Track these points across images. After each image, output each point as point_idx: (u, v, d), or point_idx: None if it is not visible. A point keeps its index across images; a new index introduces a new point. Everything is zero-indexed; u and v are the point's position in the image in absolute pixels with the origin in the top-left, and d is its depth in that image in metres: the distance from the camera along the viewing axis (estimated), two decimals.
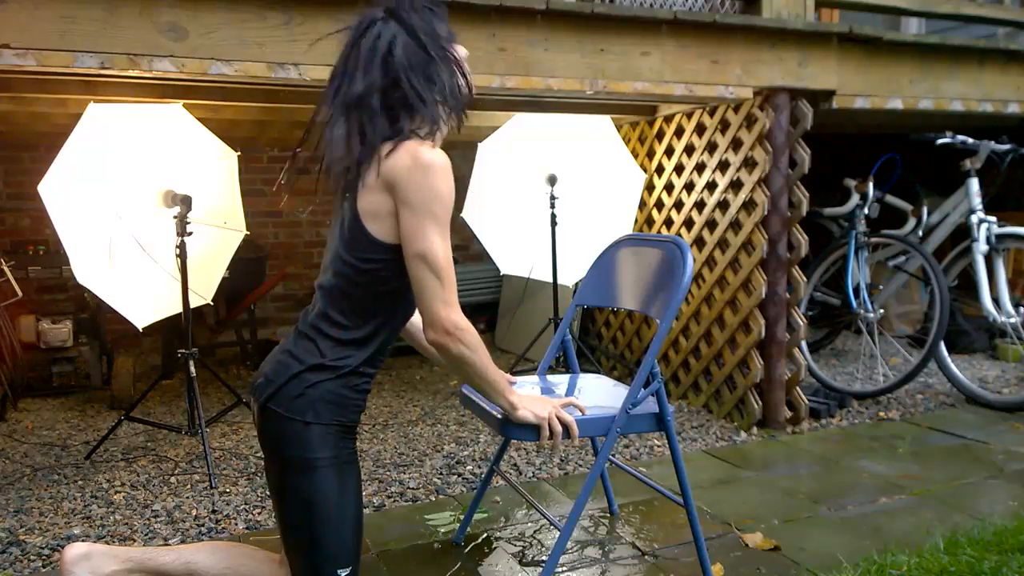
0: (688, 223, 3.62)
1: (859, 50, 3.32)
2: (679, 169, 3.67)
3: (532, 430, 1.63)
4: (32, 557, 2.19)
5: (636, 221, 3.90)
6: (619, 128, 4.08)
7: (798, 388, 3.26)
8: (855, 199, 3.95)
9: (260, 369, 1.57)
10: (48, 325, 3.86)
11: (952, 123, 4.07)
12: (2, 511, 2.50)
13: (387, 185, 1.45)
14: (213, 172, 3.13)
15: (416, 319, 1.75)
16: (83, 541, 1.62)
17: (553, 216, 3.64)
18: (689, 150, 3.61)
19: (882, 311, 3.91)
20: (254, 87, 2.84)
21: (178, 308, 2.98)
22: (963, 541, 2.08)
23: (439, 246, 1.43)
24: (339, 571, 1.49)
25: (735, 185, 3.30)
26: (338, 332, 1.51)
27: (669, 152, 3.75)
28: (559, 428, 1.62)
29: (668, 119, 3.75)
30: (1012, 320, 3.51)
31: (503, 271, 3.86)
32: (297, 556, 1.52)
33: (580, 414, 1.71)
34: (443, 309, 1.45)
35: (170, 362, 4.16)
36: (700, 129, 3.53)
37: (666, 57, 2.96)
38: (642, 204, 3.88)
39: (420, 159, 1.43)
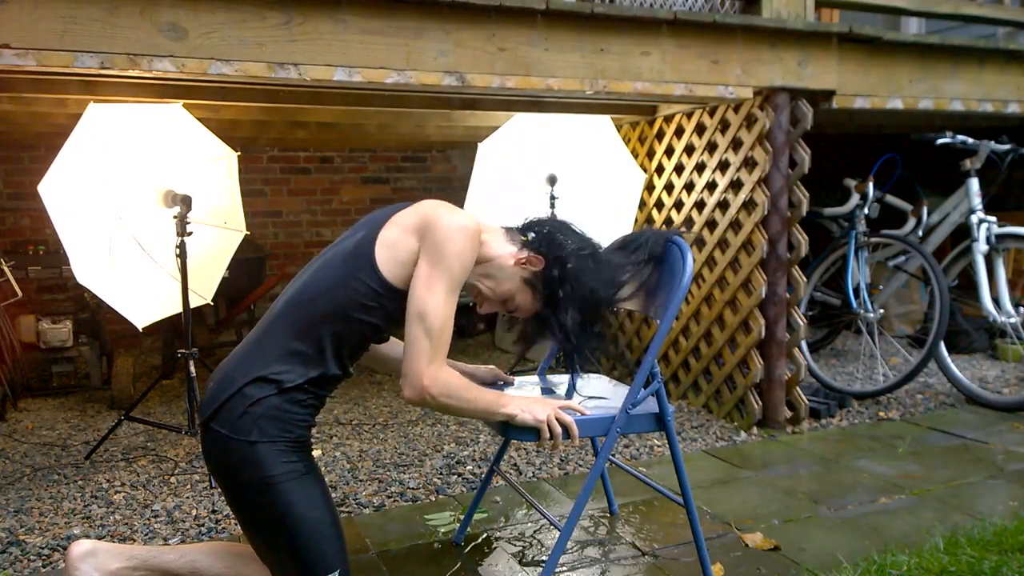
0: (688, 223, 3.61)
1: (859, 50, 3.32)
2: (679, 169, 3.67)
3: (532, 431, 1.63)
4: (32, 557, 2.19)
5: (636, 221, 3.90)
6: (619, 128, 4.07)
7: (798, 388, 3.26)
8: (855, 199, 3.95)
9: (210, 379, 1.53)
10: (48, 325, 3.86)
11: (952, 123, 4.07)
12: (2, 511, 2.50)
13: (419, 229, 1.48)
14: (213, 172, 3.13)
15: (389, 348, 1.79)
16: (87, 539, 1.62)
17: (553, 216, 3.64)
18: (689, 150, 3.61)
19: (882, 311, 3.91)
20: (254, 87, 2.84)
21: (178, 308, 2.98)
22: (963, 541, 2.08)
23: (443, 305, 1.46)
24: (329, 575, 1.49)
25: (735, 185, 3.30)
26: (288, 344, 1.48)
27: (669, 152, 3.75)
28: (559, 429, 1.62)
29: (668, 119, 3.75)
30: (1012, 320, 3.51)
31: None
32: (279, 572, 1.51)
33: (579, 415, 1.71)
34: (426, 367, 1.46)
35: (170, 362, 4.16)
36: (700, 129, 3.53)
37: (666, 57, 2.96)
38: (642, 204, 3.88)
39: (458, 219, 1.49)
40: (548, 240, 1.64)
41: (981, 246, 3.55)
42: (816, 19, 3.31)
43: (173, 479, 2.76)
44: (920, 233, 4.05)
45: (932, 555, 2.01)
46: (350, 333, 1.52)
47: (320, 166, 5.33)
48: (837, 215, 4.09)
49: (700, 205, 3.53)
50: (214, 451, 1.48)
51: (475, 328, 5.24)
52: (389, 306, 1.52)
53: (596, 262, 1.64)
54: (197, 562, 1.59)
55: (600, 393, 2.01)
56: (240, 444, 1.44)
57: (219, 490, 2.64)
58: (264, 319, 1.57)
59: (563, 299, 1.60)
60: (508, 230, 1.69)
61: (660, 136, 3.83)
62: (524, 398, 1.65)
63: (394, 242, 1.50)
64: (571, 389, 2.06)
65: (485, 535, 2.28)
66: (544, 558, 2.12)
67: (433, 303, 1.46)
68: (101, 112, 2.74)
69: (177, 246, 2.86)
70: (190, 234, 2.87)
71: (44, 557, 2.19)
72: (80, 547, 1.56)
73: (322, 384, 1.53)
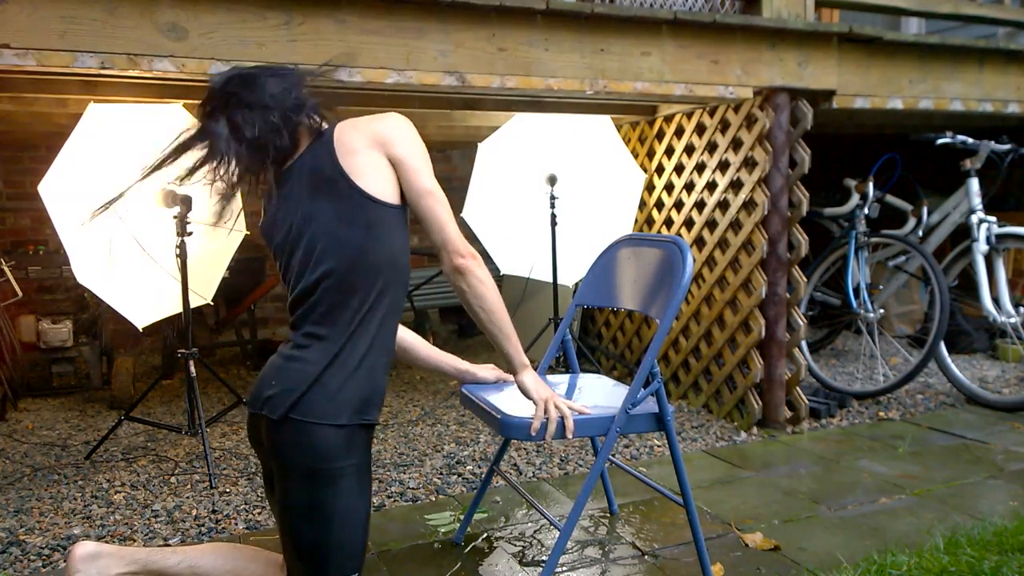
0: (688, 223, 3.62)
1: (859, 50, 3.32)
2: (679, 169, 3.67)
3: (527, 430, 1.65)
4: (32, 557, 2.19)
5: (636, 221, 3.90)
6: (619, 128, 4.08)
7: (798, 388, 3.26)
8: (855, 199, 3.95)
9: (262, 382, 1.51)
10: (48, 325, 3.86)
11: (952, 123, 4.07)
12: (2, 511, 2.51)
13: (377, 143, 1.50)
14: None
15: (403, 337, 1.79)
16: (91, 541, 1.62)
17: (553, 216, 3.64)
18: (689, 150, 3.61)
19: (882, 311, 3.90)
20: None
21: (178, 308, 2.98)
22: (963, 541, 2.08)
23: (438, 186, 1.53)
24: (354, 574, 1.49)
25: (735, 185, 3.30)
26: (339, 324, 1.48)
27: (669, 152, 3.75)
28: (553, 414, 1.64)
29: (668, 119, 3.75)
30: (1012, 320, 3.51)
31: (503, 271, 3.86)
32: (307, 564, 1.50)
33: (580, 415, 1.72)
34: (459, 239, 1.52)
35: (170, 362, 4.16)
36: (700, 129, 3.53)
37: (666, 57, 2.96)
38: (642, 204, 3.88)
39: (403, 121, 1.54)
40: None
41: (981, 246, 3.55)
42: (816, 19, 3.31)
43: (173, 479, 2.76)
44: (920, 233, 4.05)
45: (932, 555, 2.01)
46: (390, 274, 1.54)
47: None
48: (837, 215, 4.09)
49: (700, 205, 3.53)
50: (290, 441, 1.47)
51: (475, 328, 5.24)
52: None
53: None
54: (198, 564, 1.59)
55: (600, 393, 2.01)
56: (326, 430, 1.45)
57: (219, 490, 2.64)
58: (296, 321, 1.55)
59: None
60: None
61: (660, 136, 3.83)
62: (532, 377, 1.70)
63: (364, 167, 1.49)
64: (571, 389, 2.06)
65: (485, 535, 2.28)
66: (544, 558, 2.12)
67: (432, 183, 1.53)
68: (101, 112, 2.74)
69: (177, 246, 2.86)
70: (190, 234, 2.87)
71: (44, 557, 2.19)
72: (83, 548, 1.55)
73: (384, 346, 1.56)
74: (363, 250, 1.48)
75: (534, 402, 1.67)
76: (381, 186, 1.49)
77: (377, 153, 1.49)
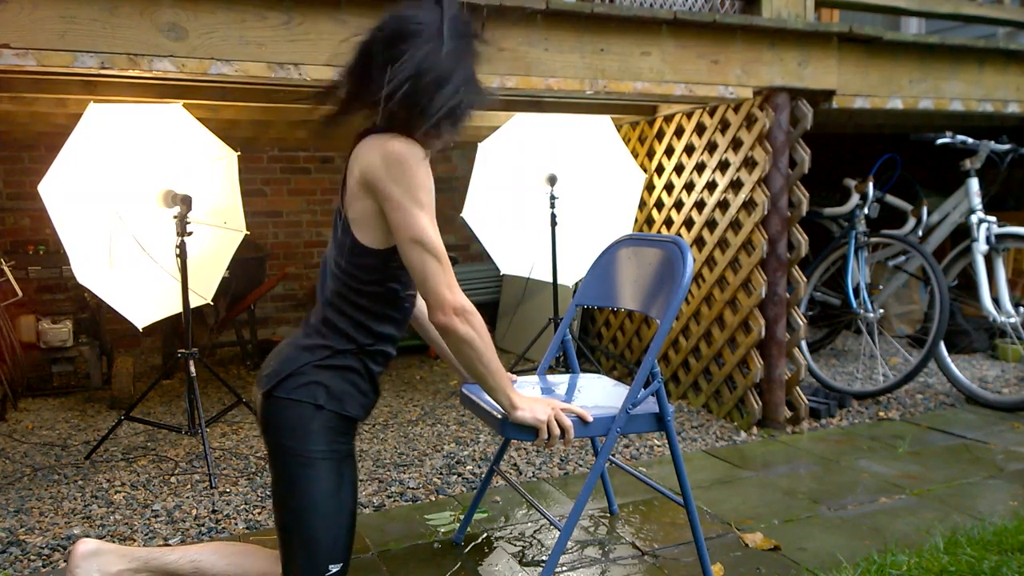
0: (688, 223, 3.62)
1: (859, 50, 3.32)
2: (679, 169, 3.67)
3: (531, 430, 1.63)
4: (32, 557, 2.19)
5: (636, 221, 3.90)
6: (619, 128, 4.08)
7: (798, 388, 3.26)
8: (855, 199, 3.95)
9: (266, 362, 1.58)
10: (48, 325, 3.86)
11: (952, 123, 4.07)
12: (2, 511, 2.51)
13: (366, 187, 1.45)
14: (213, 172, 3.13)
15: (424, 309, 1.77)
16: (92, 538, 1.63)
17: (553, 216, 3.64)
18: (689, 150, 3.61)
19: (882, 311, 3.91)
20: (254, 87, 2.84)
21: (178, 308, 2.98)
22: (963, 541, 2.08)
23: (431, 231, 1.43)
24: (331, 566, 1.49)
25: (735, 185, 3.30)
26: (337, 331, 1.53)
27: (669, 152, 3.75)
28: (557, 431, 1.61)
29: (668, 119, 3.75)
30: (1012, 320, 3.51)
31: (503, 271, 3.86)
32: (290, 549, 1.52)
33: (579, 418, 1.71)
34: (447, 292, 1.45)
35: (170, 362, 4.16)
36: (700, 129, 3.53)
37: (666, 57, 2.96)
38: (642, 204, 3.88)
39: (392, 153, 1.42)
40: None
41: (981, 246, 3.55)
42: (816, 19, 3.31)
43: (173, 479, 2.76)
44: (920, 233, 4.05)
45: (932, 555, 2.01)
46: (389, 302, 1.55)
47: (320, 166, 5.33)
48: (837, 215, 4.09)
49: (700, 205, 3.53)
50: (271, 417, 1.52)
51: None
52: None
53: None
54: (199, 561, 1.60)
55: (600, 393, 2.01)
56: (299, 407, 1.48)
57: (220, 489, 2.64)
58: (313, 310, 1.61)
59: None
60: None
61: (660, 136, 3.83)
62: (527, 396, 1.64)
63: (359, 217, 1.48)
64: (571, 389, 2.06)
65: (485, 535, 2.28)
66: (544, 558, 2.12)
67: (420, 230, 1.42)
68: (101, 112, 2.74)
69: (177, 246, 2.86)
70: (190, 234, 2.87)
71: (44, 557, 2.19)
72: (84, 546, 1.57)
73: (379, 354, 1.57)
74: (358, 283, 1.52)
75: (535, 430, 1.62)
76: (373, 234, 1.48)
77: (368, 199, 1.46)
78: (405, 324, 1.63)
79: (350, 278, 1.52)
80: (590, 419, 1.71)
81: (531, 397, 1.65)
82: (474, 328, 1.47)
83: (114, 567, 1.56)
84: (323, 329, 1.53)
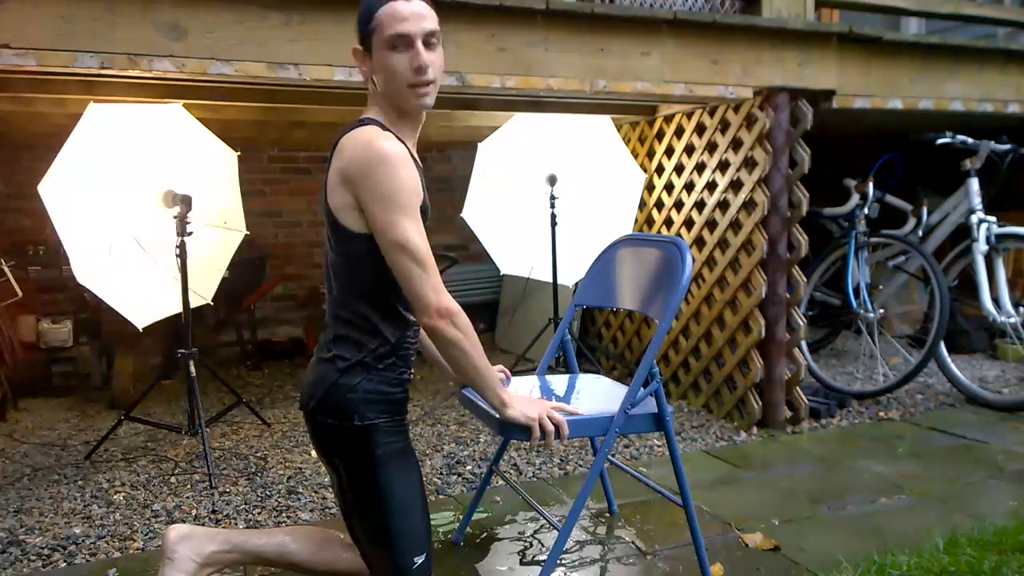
0: (688, 223, 3.61)
1: (859, 50, 3.32)
2: (679, 169, 3.67)
3: (524, 429, 1.63)
4: (32, 557, 2.19)
5: (636, 221, 3.90)
6: (619, 128, 4.07)
7: (798, 388, 3.26)
8: (855, 199, 3.95)
9: (305, 375, 1.60)
10: (48, 325, 3.87)
11: (952, 123, 4.07)
12: (2, 511, 2.51)
13: (345, 183, 1.45)
14: (213, 172, 3.13)
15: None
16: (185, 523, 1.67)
17: (553, 216, 3.64)
18: (689, 150, 3.61)
19: (882, 311, 3.90)
20: (254, 87, 2.84)
21: (178, 308, 2.97)
22: (963, 541, 2.08)
23: (412, 234, 1.42)
24: (415, 559, 1.52)
25: (735, 185, 3.30)
26: (354, 330, 1.53)
27: (669, 152, 3.75)
28: (550, 428, 1.61)
29: (668, 119, 3.75)
30: (1012, 320, 3.51)
31: (503, 271, 3.86)
32: (374, 551, 1.55)
33: (572, 415, 1.70)
34: (432, 294, 1.44)
35: (170, 362, 4.15)
36: (700, 129, 3.52)
37: (666, 57, 2.96)
38: (642, 204, 3.88)
39: (372, 153, 1.41)
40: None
41: (981, 246, 3.55)
42: (816, 19, 3.31)
43: (173, 479, 2.76)
44: (920, 233, 4.05)
45: (932, 555, 2.01)
46: (390, 287, 1.53)
47: (320, 166, 5.33)
48: (837, 215, 4.09)
49: (700, 205, 3.53)
50: (320, 437, 1.56)
51: (483, 327, 5.25)
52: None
53: None
54: (285, 544, 1.63)
55: (599, 393, 2.01)
56: (344, 429, 1.51)
57: (220, 490, 2.64)
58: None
59: None
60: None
61: (660, 136, 3.83)
62: (517, 396, 1.64)
63: (341, 205, 1.47)
64: (570, 389, 2.06)
65: (485, 535, 2.28)
66: (544, 558, 2.12)
67: (401, 233, 1.41)
68: (101, 112, 2.74)
69: (177, 246, 2.86)
70: (190, 234, 2.87)
71: (44, 557, 2.19)
72: (177, 531, 1.59)
73: (401, 349, 1.57)
74: (354, 272, 1.52)
75: (528, 429, 1.61)
76: (357, 219, 1.47)
77: (348, 193, 1.46)
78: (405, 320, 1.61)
79: (346, 269, 1.52)
80: (581, 413, 1.72)
81: (521, 396, 1.65)
82: (460, 329, 1.47)
83: (207, 548, 1.58)
84: (341, 338, 1.53)
